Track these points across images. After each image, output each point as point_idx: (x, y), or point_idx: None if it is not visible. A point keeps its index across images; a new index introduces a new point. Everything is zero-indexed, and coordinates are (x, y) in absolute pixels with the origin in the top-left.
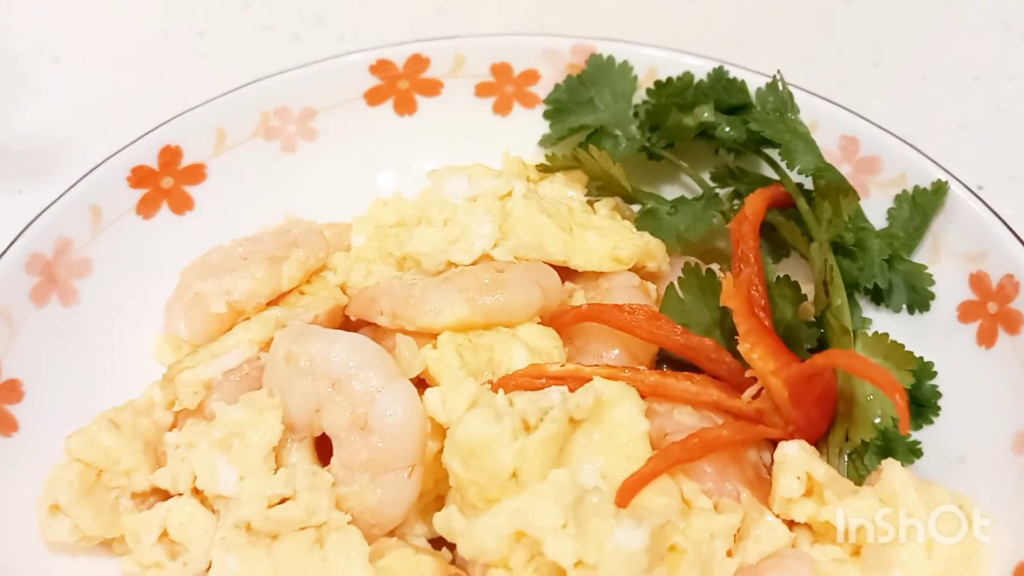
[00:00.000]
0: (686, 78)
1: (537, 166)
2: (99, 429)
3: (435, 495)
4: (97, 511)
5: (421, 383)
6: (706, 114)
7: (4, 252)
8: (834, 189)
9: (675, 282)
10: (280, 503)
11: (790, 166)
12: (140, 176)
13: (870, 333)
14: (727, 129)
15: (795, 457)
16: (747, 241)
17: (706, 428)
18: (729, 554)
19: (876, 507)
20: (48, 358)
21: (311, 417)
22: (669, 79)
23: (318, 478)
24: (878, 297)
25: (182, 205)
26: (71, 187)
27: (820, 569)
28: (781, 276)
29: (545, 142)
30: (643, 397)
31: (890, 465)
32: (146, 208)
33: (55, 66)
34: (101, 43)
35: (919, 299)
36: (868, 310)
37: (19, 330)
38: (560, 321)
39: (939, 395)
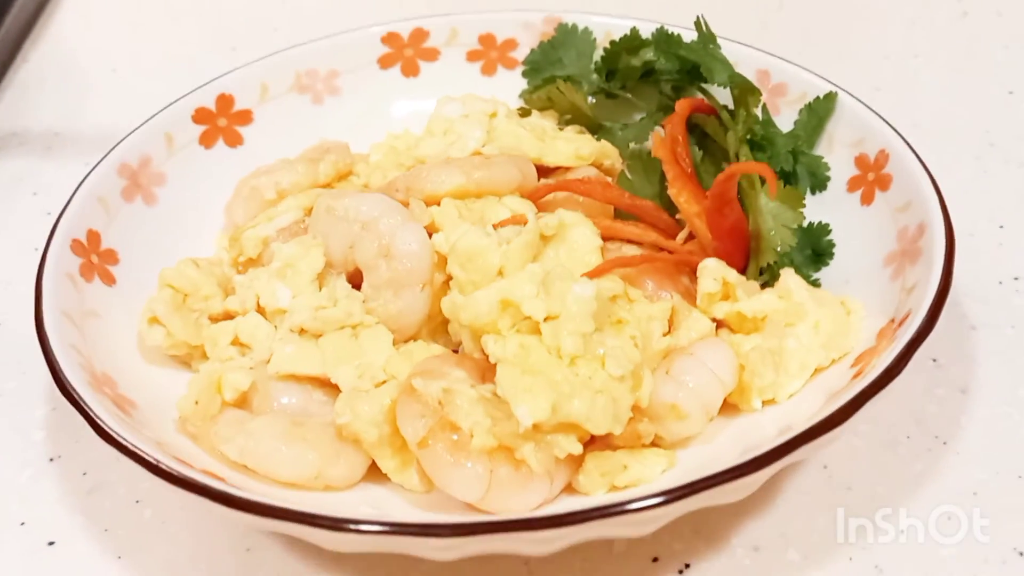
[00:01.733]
0: (633, 33)
1: (518, 109)
2: (185, 265)
3: (441, 319)
4: (184, 323)
5: (430, 233)
6: (649, 54)
7: (99, 162)
8: (744, 93)
9: (625, 167)
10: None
11: (709, 79)
12: (201, 115)
13: None
14: (663, 61)
15: (714, 266)
16: (675, 125)
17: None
18: (665, 335)
19: (774, 300)
20: (136, 239)
21: (346, 253)
22: (621, 37)
23: (352, 293)
24: (788, 182)
25: (234, 140)
26: (149, 119)
27: (733, 341)
28: (704, 157)
29: (524, 93)
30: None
31: (786, 271)
32: (207, 140)
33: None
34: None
35: (818, 182)
36: None
37: (114, 217)
38: (536, 194)
39: (833, 245)
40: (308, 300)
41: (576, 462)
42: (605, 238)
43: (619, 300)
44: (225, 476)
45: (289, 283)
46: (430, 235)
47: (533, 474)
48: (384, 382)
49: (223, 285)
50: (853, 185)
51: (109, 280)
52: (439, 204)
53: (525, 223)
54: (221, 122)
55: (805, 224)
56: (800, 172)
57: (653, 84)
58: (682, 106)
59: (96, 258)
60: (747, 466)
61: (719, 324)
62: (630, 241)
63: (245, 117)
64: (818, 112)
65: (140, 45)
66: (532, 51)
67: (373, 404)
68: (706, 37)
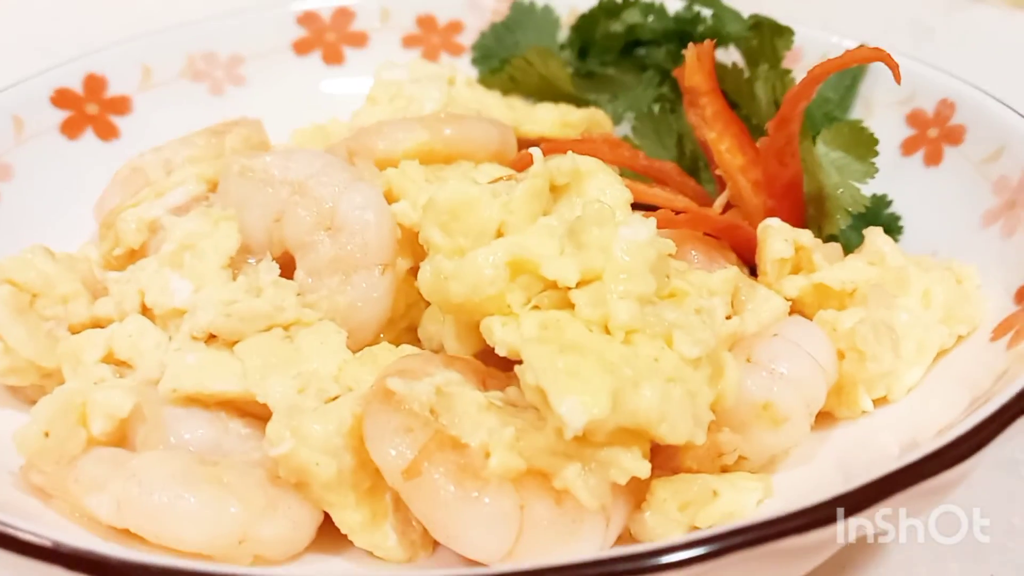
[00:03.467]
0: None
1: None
2: (33, 254)
3: (407, 323)
4: (31, 334)
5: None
6: (634, 16)
7: None
8: (769, 35)
9: (630, 131)
10: None
11: (722, 31)
12: (64, 98)
13: None
14: (654, 21)
15: (778, 226)
16: (703, 65)
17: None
18: (728, 318)
19: (866, 267)
20: None
21: (271, 229)
22: (592, 9)
23: (281, 280)
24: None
25: (108, 132)
26: None
27: (823, 318)
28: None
29: (481, 79)
30: None
31: (872, 232)
32: (71, 129)
33: None
34: None
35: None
36: None
37: None
38: (521, 163)
39: (898, 218)
40: (216, 293)
41: (638, 493)
42: None
43: (672, 265)
44: (92, 548)
45: (188, 272)
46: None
47: (584, 510)
48: (336, 397)
49: (90, 286)
50: (909, 147)
51: None
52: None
53: (521, 179)
54: (90, 108)
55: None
56: None
57: (636, 61)
58: (703, 48)
59: None
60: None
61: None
62: (659, 204)
63: (122, 105)
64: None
65: None
66: (482, 34)
67: (327, 422)
68: None
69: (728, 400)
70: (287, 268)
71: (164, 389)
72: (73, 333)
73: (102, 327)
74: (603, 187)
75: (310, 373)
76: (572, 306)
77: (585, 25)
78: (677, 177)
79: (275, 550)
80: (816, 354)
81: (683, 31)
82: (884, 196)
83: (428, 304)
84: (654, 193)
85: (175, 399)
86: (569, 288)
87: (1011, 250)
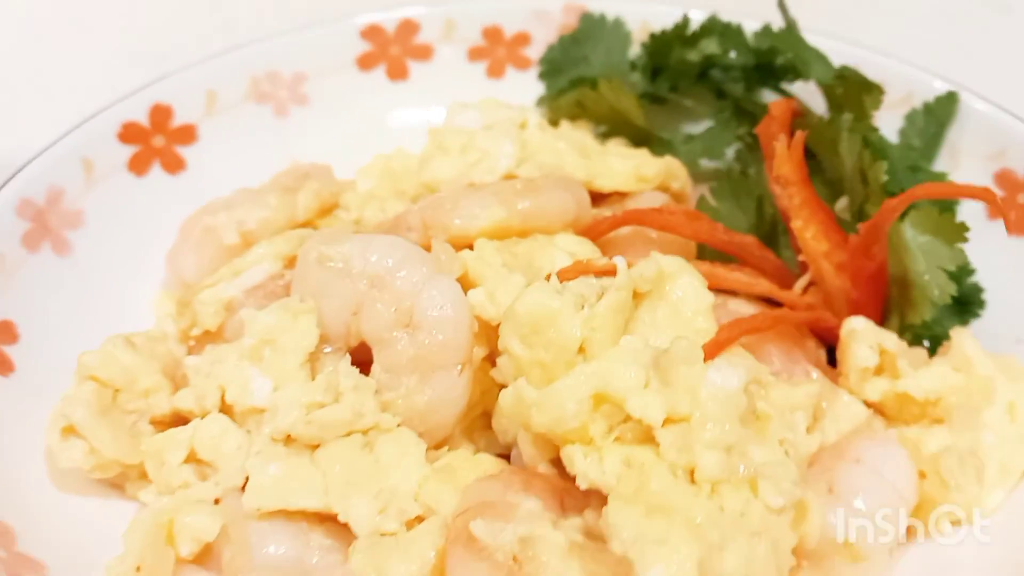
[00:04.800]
0: (685, 21)
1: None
2: (115, 346)
3: (481, 410)
4: (115, 432)
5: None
6: (712, 46)
7: None
8: (856, 90)
9: (707, 191)
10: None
11: (807, 75)
12: (131, 132)
13: None
14: (733, 56)
15: (865, 327)
16: (791, 136)
17: (768, 310)
18: (810, 429)
19: (952, 375)
20: (43, 304)
21: (348, 322)
22: (673, 26)
23: (362, 381)
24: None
25: (175, 165)
26: (60, 138)
27: (906, 436)
28: (812, 174)
29: (543, 102)
30: None
31: (959, 333)
32: (138, 166)
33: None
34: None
35: (943, 206)
36: None
37: (11, 275)
38: (597, 230)
39: (981, 290)
40: (297, 394)
41: None
42: None
43: (753, 386)
44: None
45: (268, 369)
46: (464, 292)
47: None
48: (419, 519)
49: (169, 372)
50: (997, 210)
51: (4, 368)
52: (470, 247)
53: (601, 272)
54: (157, 141)
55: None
56: None
57: (711, 86)
58: (782, 108)
59: None
60: None
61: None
62: (735, 292)
63: (188, 134)
64: (937, 116)
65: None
66: (550, 47)
67: (410, 561)
68: (790, 23)
69: (810, 542)
70: (364, 356)
71: (249, 506)
72: (155, 425)
73: (184, 419)
74: (685, 292)
75: (390, 490)
76: (656, 442)
77: (658, 48)
78: (757, 252)
79: None
80: (898, 482)
81: (764, 64)
82: (966, 264)
83: (501, 387)
84: (735, 278)
85: (259, 515)
86: (653, 426)
87: None
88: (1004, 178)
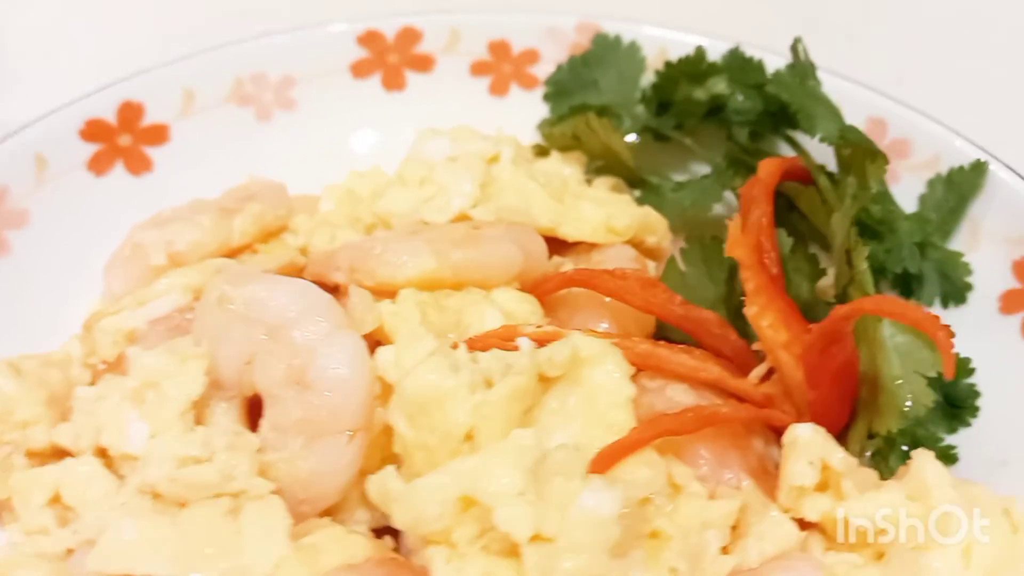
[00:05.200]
0: (698, 54)
1: (533, 147)
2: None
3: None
4: None
5: (376, 343)
6: (720, 86)
7: None
8: (860, 156)
9: (676, 253)
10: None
11: (811, 132)
12: (95, 130)
13: None
14: (740, 99)
15: (808, 439)
16: (759, 204)
17: (704, 404)
18: (725, 551)
19: (904, 503)
20: None
21: (241, 371)
22: (680, 59)
23: (240, 439)
24: (907, 288)
25: (140, 166)
26: (13, 133)
27: (833, 572)
28: (796, 247)
29: (544, 125)
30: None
31: (921, 455)
32: (98, 165)
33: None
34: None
35: (954, 290)
36: None
37: None
38: (543, 288)
39: (977, 394)
40: (171, 445)
41: None
42: (640, 368)
43: (657, 499)
44: None
45: (148, 414)
46: (374, 348)
47: None
48: None
49: (60, 399)
50: (1010, 304)
51: None
52: (394, 296)
53: (516, 347)
54: (123, 140)
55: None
56: (927, 272)
57: (721, 126)
58: (769, 170)
59: None
60: None
61: (806, 526)
62: (679, 377)
63: (158, 134)
64: (959, 188)
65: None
66: (559, 68)
67: None
68: (804, 68)
69: None
70: (257, 412)
71: (92, 567)
72: (32, 458)
73: (63, 454)
74: (603, 381)
75: (241, 569)
76: (520, 557)
77: (664, 84)
78: (716, 330)
79: None
80: None
81: (772, 111)
82: (967, 360)
83: None
84: (679, 362)
85: None
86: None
87: None
88: (1022, 268)
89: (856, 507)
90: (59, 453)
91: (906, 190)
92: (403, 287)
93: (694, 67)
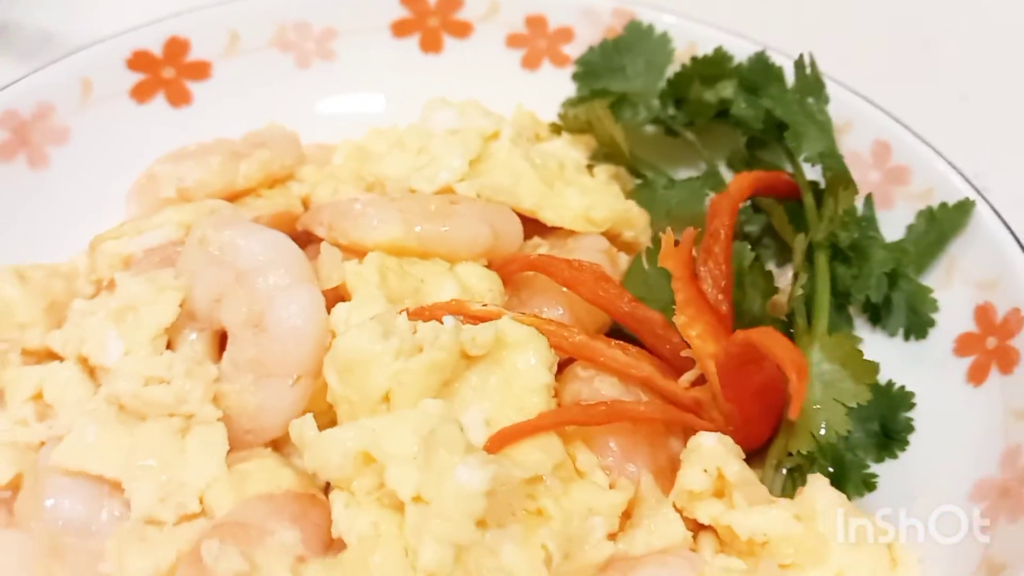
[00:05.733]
0: (717, 55)
1: (550, 125)
2: (3, 277)
3: (330, 419)
4: None
5: (339, 299)
6: (728, 90)
7: None
8: (836, 181)
9: (643, 252)
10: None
11: (797, 150)
12: (141, 61)
13: None
14: (743, 106)
15: (709, 448)
16: (722, 216)
17: (620, 400)
18: (613, 538)
19: (788, 522)
20: (7, 212)
21: (212, 308)
22: (699, 58)
23: (199, 368)
24: (876, 317)
25: (180, 98)
26: (62, 57)
27: (707, 573)
28: (754, 263)
29: (566, 105)
30: (566, 356)
31: (816, 480)
32: (141, 93)
33: None
34: None
35: (918, 324)
36: (864, 331)
37: None
38: (506, 268)
39: (912, 429)
40: (139, 364)
41: None
42: (574, 357)
43: (547, 481)
44: None
45: (125, 334)
46: (334, 303)
47: None
48: (194, 516)
49: (59, 308)
50: (964, 347)
51: None
52: (363, 257)
53: (474, 316)
54: (167, 72)
55: (879, 385)
56: (896, 303)
57: (730, 128)
58: (739, 184)
59: None
60: None
61: (701, 529)
62: (611, 371)
63: (201, 70)
64: (941, 224)
65: None
66: (591, 49)
67: (148, 557)
68: (807, 84)
69: None
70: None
71: (54, 459)
72: (26, 356)
73: (53, 358)
74: (523, 366)
75: (178, 482)
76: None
77: (680, 81)
78: (659, 331)
79: None
80: None
81: (769, 123)
82: (911, 395)
83: None
84: (611, 356)
85: (61, 470)
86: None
87: (976, 549)
88: (983, 313)
89: (741, 518)
90: (50, 356)
91: (897, 218)
92: (372, 250)
93: (710, 68)
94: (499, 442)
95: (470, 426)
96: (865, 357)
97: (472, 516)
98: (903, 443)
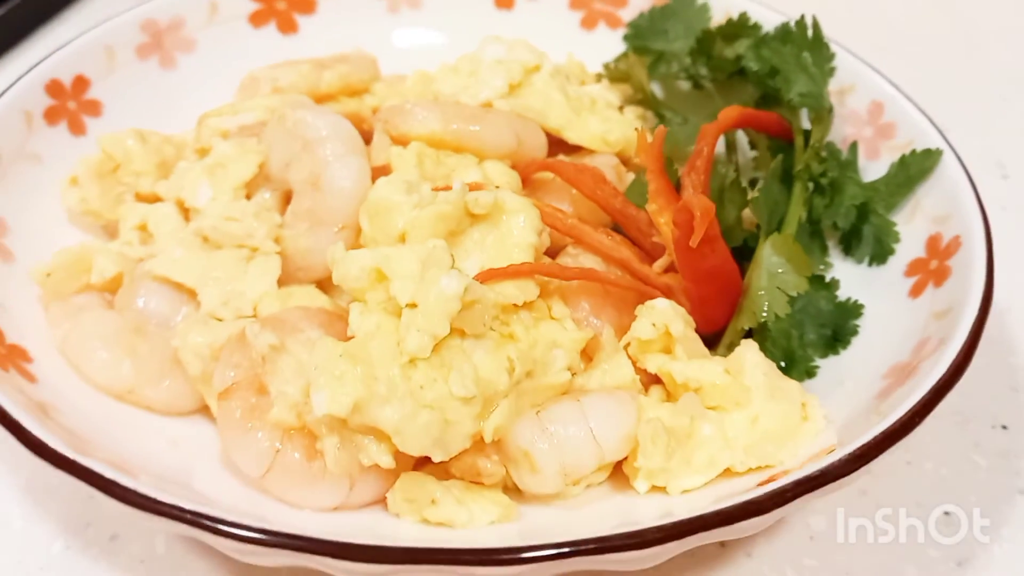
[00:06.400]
0: (741, 19)
1: (595, 74)
2: (128, 135)
3: None
4: (102, 191)
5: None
6: (743, 47)
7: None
8: (817, 118)
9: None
10: None
11: (785, 93)
12: None
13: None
14: (751, 58)
15: (660, 309)
16: (707, 138)
17: (595, 268)
18: (572, 372)
19: (718, 374)
20: (135, 100)
21: (283, 171)
22: (729, 19)
23: (267, 214)
24: (848, 248)
25: (288, 26)
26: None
27: (641, 403)
28: (734, 181)
29: (616, 60)
30: (561, 234)
31: (747, 344)
32: (257, 19)
33: None
34: None
35: (881, 252)
36: (836, 259)
37: (116, 70)
38: (526, 169)
39: (856, 333)
40: (221, 207)
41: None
42: (565, 235)
43: (521, 313)
44: (36, 373)
45: (214, 184)
46: (379, 176)
47: (327, 471)
48: (246, 317)
49: (169, 166)
50: (913, 269)
51: (78, 129)
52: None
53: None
54: (280, 5)
55: (837, 300)
56: (865, 235)
57: (744, 84)
58: (728, 115)
59: (73, 104)
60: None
61: (654, 381)
62: (595, 251)
63: (308, 5)
64: (909, 168)
65: None
66: (641, 14)
67: (207, 335)
68: (805, 40)
69: (488, 436)
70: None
71: (148, 268)
72: (139, 199)
73: (158, 201)
74: (515, 227)
75: (237, 292)
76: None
77: (705, 40)
78: (644, 228)
79: (160, 406)
80: (599, 429)
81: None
82: (861, 306)
83: None
84: (596, 238)
85: (152, 276)
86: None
87: (869, 414)
88: (933, 242)
89: (680, 367)
90: (156, 200)
91: (880, 168)
92: (415, 140)
93: (731, 30)
94: (484, 277)
95: (468, 269)
96: (804, 255)
97: (448, 315)
98: (846, 343)
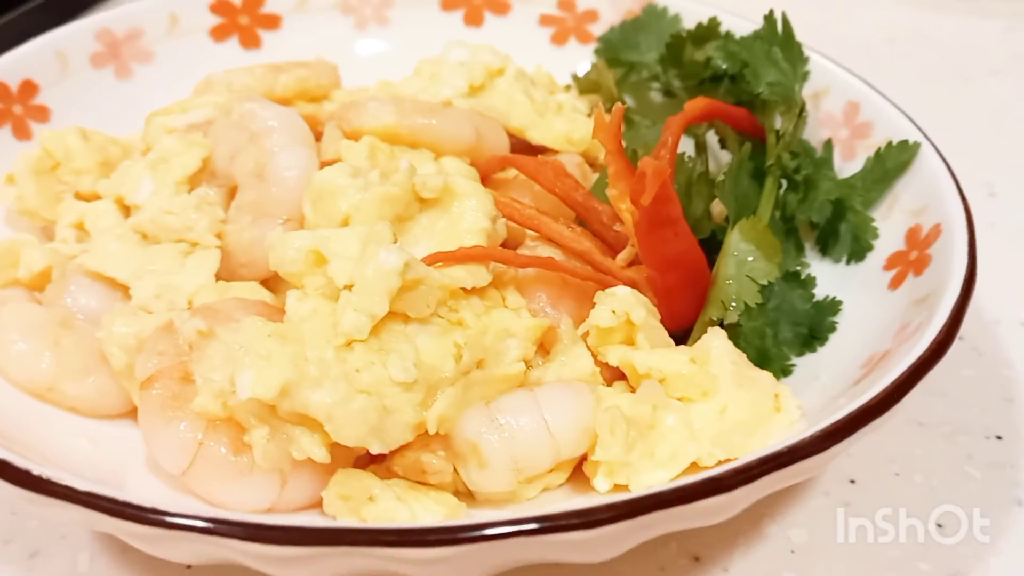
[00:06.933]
0: (712, 23)
1: (565, 86)
2: (70, 132)
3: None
4: (40, 190)
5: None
6: (712, 49)
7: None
8: (788, 110)
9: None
10: None
11: (755, 86)
12: (221, 7)
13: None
14: (721, 58)
15: (621, 296)
16: (672, 128)
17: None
18: (529, 365)
19: (683, 363)
20: (85, 109)
21: (228, 164)
22: (699, 24)
23: (208, 207)
24: (825, 247)
25: (252, 42)
26: None
27: (600, 393)
28: (702, 175)
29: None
30: (519, 226)
31: (714, 331)
32: (219, 34)
33: None
34: None
35: (859, 249)
36: (813, 260)
37: (67, 77)
38: (485, 166)
39: (834, 330)
40: (161, 201)
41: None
42: (522, 226)
43: (472, 299)
44: None
45: (155, 178)
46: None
47: (254, 466)
48: (179, 311)
49: (111, 165)
50: (892, 262)
51: (23, 134)
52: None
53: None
54: (243, 20)
55: (815, 299)
56: (843, 232)
57: (722, 92)
58: (694, 105)
59: (19, 108)
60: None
61: (616, 377)
62: (555, 243)
63: (272, 21)
64: (885, 162)
65: None
66: (612, 28)
67: (134, 326)
68: (774, 36)
69: (431, 427)
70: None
71: (80, 261)
72: (79, 198)
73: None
74: (466, 211)
75: (172, 286)
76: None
77: (676, 45)
78: (606, 220)
79: (83, 404)
80: (554, 421)
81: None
82: (839, 303)
83: None
84: (555, 229)
85: (84, 271)
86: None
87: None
88: (912, 234)
89: (642, 357)
90: (97, 199)
91: (857, 167)
92: (367, 135)
93: (701, 34)
94: (432, 260)
95: (417, 256)
96: (773, 240)
97: (387, 292)
98: (824, 340)
